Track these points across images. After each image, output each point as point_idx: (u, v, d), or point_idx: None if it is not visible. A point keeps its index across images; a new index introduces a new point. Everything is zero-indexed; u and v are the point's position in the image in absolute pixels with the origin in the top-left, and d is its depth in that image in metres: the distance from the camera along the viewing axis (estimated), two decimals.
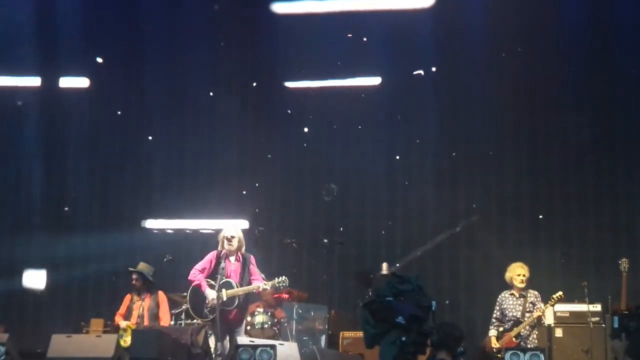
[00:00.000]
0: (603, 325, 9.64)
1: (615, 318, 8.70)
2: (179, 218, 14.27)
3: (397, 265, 12.30)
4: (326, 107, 14.18)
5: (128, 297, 10.13)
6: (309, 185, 14.11)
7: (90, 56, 14.69)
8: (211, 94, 14.44)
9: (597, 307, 9.90)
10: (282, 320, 10.29)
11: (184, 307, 10.02)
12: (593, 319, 9.69)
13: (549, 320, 9.99)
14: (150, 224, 14.36)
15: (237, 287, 9.08)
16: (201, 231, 13.82)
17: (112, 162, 14.45)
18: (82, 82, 15.17)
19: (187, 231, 14.02)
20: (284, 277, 9.43)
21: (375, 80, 14.30)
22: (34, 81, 15.19)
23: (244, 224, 13.28)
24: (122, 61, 14.90)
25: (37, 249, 14.11)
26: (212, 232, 12.66)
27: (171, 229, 14.37)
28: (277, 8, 14.50)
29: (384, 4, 14.24)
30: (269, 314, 9.99)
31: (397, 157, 14.05)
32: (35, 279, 14.15)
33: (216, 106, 14.80)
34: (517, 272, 9.82)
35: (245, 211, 13.69)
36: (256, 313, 9.90)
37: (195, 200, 13.92)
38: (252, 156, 14.18)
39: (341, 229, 12.82)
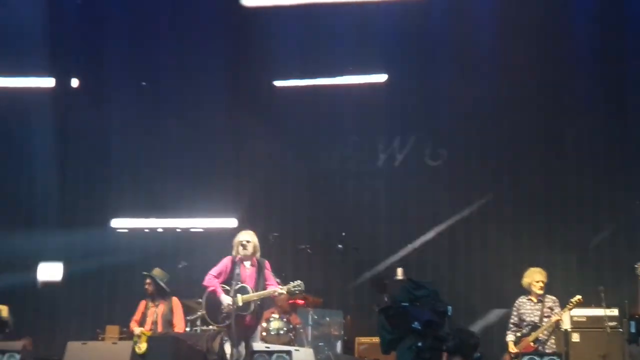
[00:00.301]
0: (620, 330, 9.55)
1: (632, 323, 8.69)
2: (170, 217, 14.20)
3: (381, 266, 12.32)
4: (329, 107, 14.13)
5: (143, 303, 10.13)
6: (322, 191, 13.79)
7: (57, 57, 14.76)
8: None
9: (615, 312, 9.76)
10: (298, 326, 10.26)
11: (199, 313, 9.97)
12: (610, 324, 9.52)
13: (566, 325, 9.84)
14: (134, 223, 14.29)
15: (252, 292, 8.98)
16: (191, 230, 13.86)
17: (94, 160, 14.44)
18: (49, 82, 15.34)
19: (178, 230, 13.97)
20: (299, 281, 9.33)
21: (381, 77, 14.11)
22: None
23: (233, 222, 13.40)
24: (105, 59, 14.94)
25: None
26: (202, 230, 13.55)
27: (161, 228, 14.24)
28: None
29: None
30: (284, 320, 9.95)
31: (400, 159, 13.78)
32: (51, 271, 14.07)
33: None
34: (535, 278, 9.80)
35: (233, 210, 13.55)
36: (271, 319, 9.86)
37: (184, 199, 13.88)
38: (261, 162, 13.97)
39: (343, 233, 12.07)
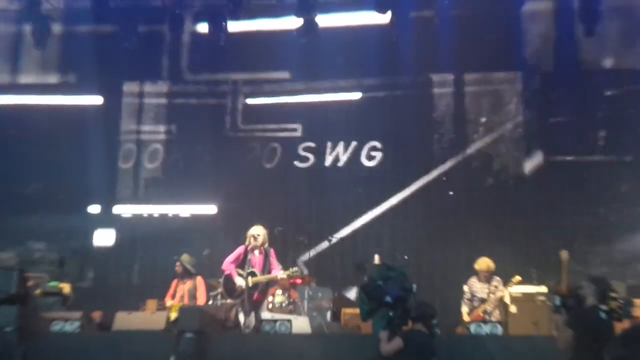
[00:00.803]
0: (548, 303, 9.69)
1: (556, 297, 9.47)
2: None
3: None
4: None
5: (175, 281, 10.64)
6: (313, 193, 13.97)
7: None
8: None
9: (544, 289, 10.16)
10: (296, 300, 10.46)
11: (219, 290, 10.29)
12: (540, 298, 10.01)
13: (507, 299, 10.12)
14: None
15: (260, 276, 9.86)
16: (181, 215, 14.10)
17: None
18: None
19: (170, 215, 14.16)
20: (296, 267, 10.29)
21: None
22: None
23: (213, 209, 13.94)
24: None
25: None
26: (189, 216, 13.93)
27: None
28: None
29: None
30: (286, 295, 10.26)
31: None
32: (104, 237, 14.14)
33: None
34: (485, 264, 10.49)
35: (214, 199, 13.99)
36: (276, 295, 10.17)
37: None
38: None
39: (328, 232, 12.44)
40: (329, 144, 14.01)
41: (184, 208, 14.20)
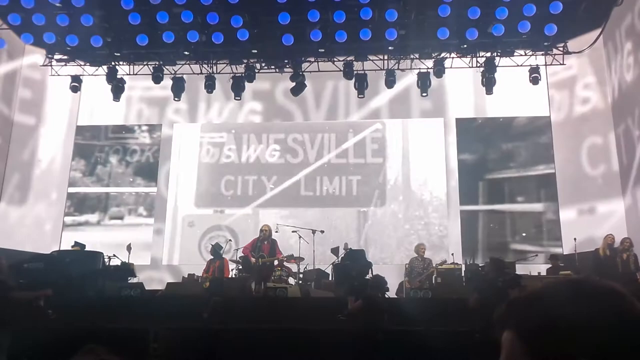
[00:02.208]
0: (462, 276, 10.15)
1: (467, 271, 10.07)
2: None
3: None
4: None
5: (209, 260, 10.68)
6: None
7: None
8: None
9: (459, 265, 10.53)
10: (291, 274, 10.31)
11: (239, 267, 10.44)
12: (457, 273, 10.24)
13: (435, 274, 10.18)
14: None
15: (267, 258, 10.08)
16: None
17: None
18: None
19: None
20: (292, 253, 10.58)
21: None
22: None
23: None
24: None
25: None
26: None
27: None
28: None
29: None
30: (284, 271, 10.09)
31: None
32: None
33: None
34: (421, 247, 10.79)
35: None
36: (276, 270, 10.00)
37: None
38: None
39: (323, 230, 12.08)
40: None
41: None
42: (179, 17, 11.07)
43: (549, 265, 10.85)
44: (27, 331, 6.24)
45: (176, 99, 12.89)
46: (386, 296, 8.09)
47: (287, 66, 12.71)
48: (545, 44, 11.97)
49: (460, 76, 13.05)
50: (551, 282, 1.14)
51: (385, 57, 12.59)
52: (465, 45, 11.80)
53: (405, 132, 13.63)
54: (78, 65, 13.10)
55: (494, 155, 13.37)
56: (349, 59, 12.35)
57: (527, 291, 1.12)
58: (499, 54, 12.20)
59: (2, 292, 5.94)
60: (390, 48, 12.17)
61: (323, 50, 11.99)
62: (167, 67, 12.73)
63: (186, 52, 12.22)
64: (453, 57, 12.51)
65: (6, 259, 6.48)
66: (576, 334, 1.00)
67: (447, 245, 12.57)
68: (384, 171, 13.56)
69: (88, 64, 13.06)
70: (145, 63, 12.84)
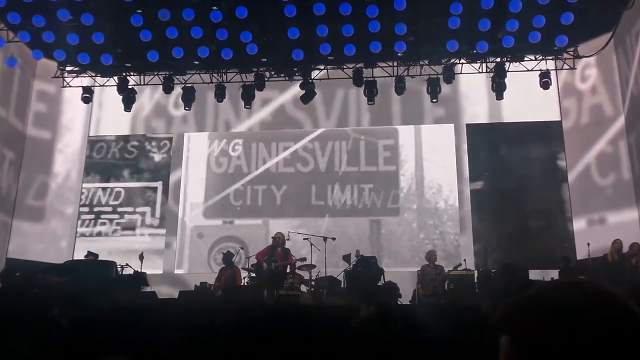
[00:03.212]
0: (475, 282, 10.17)
1: (479, 278, 10.05)
2: None
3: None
4: None
5: (221, 269, 10.73)
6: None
7: None
8: None
9: (472, 272, 10.49)
10: (303, 281, 10.31)
11: (251, 274, 10.46)
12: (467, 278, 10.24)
13: (447, 280, 10.18)
14: None
15: (279, 262, 10.09)
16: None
17: None
18: None
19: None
20: (304, 257, 10.58)
21: None
22: None
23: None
24: None
25: None
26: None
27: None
28: None
29: None
30: (296, 278, 10.15)
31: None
32: None
33: None
34: (433, 254, 10.74)
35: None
36: (289, 278, 10.01)
37: None
38: None
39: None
40: None
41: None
42: (188, 33, 11.10)
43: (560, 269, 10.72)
44: (44, 339, 6.28)
45: (187, 108, 12.97)
46: (399, 302, 8.05)
47: (297, 74, 12.72)
48: (555, 48, 11.87)
49: (472, 81, 13.05)
50: (543, 285, 1.13)
51: (395, 64, 12.57)
52: (475, 51, 11.72)
53: (418, 139, 13.55)
54: (89, 76, 13.20)
55: (504, 163, 13.32)
56: (358, 66, 12.32)
57: (521, 295, 1.12)
58: (508, 59, 12.15)
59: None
60: (399, 54, 12.12)
61: (332, 58, 11.96)
62: (177, 76, 12.78)
63: (196, 62, 12.21)
64: (463, 63, 12.47)
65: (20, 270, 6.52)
66: (564, 336, 1.00)
67: (460, 254, 12.45)
68: (397, 179, 13.50)
69: (99, 75, 13.16)
70: (155, 73, 12.91)
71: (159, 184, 14.05)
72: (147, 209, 13.92)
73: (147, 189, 14.03)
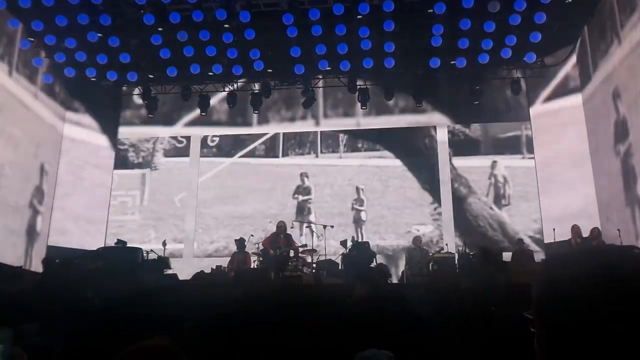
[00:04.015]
0: (456, 262, 9.96)
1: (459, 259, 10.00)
2: None
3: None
4: None
5: (234, 254, 10.64)
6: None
7: None
8: None
9: (453, 255, 10.33)
10: (306, 263, 10.12)
11: (260, 259, 10.28)
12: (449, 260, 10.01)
13: (431, 261, 9.90)
14: None
15: (284, 249, 10.04)
16: None
17: None
18: None
19: None
20: (305, 243, 10.65)
21: None
22: None
23: None
24: None
25: None
26: None
27: None
28: None
29: None
30: (299, 261, 10.00)
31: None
32: None
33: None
34: (418, 239, 10.70)
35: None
36: (293, 261, 9.87)
37: None
38: None
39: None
40: None
41: None
42: (203, 51, 11.18)
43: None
44: (77, 316, 6.31)
45: (203, 113, 13.00)
46: (389, 282, 7.99)
47: (298, 83, 12.76)
48: (524, 58, 11.89)
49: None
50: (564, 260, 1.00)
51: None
52: (454, 63, 11.74)
53: (403, 138, 13.29)
54: (116, 86, 13.21)
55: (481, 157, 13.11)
56: (351, 75, 12.37)
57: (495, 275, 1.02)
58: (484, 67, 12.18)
59: None
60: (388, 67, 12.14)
61: (330, 68, 11.94)
62: (194, 86, 12.78)
63: (210, 73, 12.24)
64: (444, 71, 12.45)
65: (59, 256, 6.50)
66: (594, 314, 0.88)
67: (443, 237, 12.35)
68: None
69: (125, 85, 13.21)
70: (175, 84, 12.93)
71: (178, 181, 13.86)
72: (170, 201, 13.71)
73: (171, 187, 13.77)
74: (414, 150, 12.40)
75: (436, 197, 12.07)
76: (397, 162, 12.08)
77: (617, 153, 9.40)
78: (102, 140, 13.77)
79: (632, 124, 8.82)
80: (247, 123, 13.31)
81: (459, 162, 12.57)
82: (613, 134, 9.71)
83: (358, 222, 12.06)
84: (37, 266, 10.99)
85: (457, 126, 12.88)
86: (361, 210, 11.98)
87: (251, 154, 12.53)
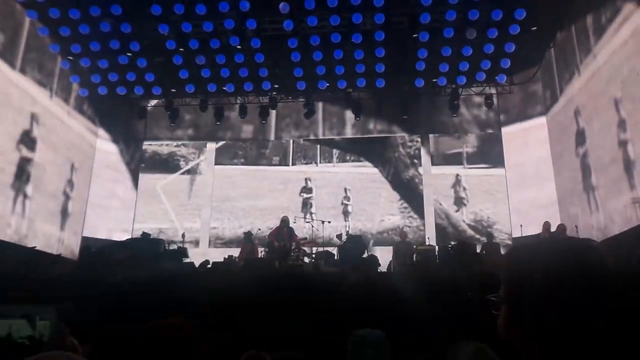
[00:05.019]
0: (436, 254, 9.87)
1: (439, 251, 9.96)
2: None
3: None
4: None
5: (243, 245, 10.68)
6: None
7: None
8: None
9: (433, 247, 10.24)
10: (306, 254, 10.07)
11: (266, 249, 10.19)
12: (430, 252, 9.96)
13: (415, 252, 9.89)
14: None
15: (286, 241, 9.90)
16: None
17: None
18: None
19: None
20: (306, 236, 10.59)
21: None
22: None
23: None
24: None
25: None
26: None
27: None
28: None
29: None
30: (301, 250, 9.94)
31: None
32: None
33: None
34: (403, 234, 10.70)
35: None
36: (295, 252, 9.78)
37: None
38: None
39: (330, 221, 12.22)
40: None
41: None
42: (219, 72, 11.53)
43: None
44: (107, 298, 6.33)
45: (218, 122, 13.01)
46: (379, 271, 8.05)
47: (301, 97, 12.84)
48: (496, 78, 12.02)
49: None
50: (525, 245, 1.02)
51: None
52: (435, 80, 11.82)
53: (394, 146, 13.45)
54: (144, 99, 13.33)
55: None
56: (347, 90, 12.40)
57: (508, 256, 1.02)
58: (461, 86, 12.28)
59: None
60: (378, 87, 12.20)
61: (328, 84, 12.01)
62: (210, 99, 12.85)
63: (224, 88, 12.29)
64: (427, 89, 12.48)
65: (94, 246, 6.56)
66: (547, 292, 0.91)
67: (425, 233, 12.37)
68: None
69: (150, 99, 13.37)
70: (194, 97, 12.96)
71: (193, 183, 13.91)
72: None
73: (189, 190, 13.89)
74: (386, 160, 13.29)
75: (402, 195, 12.86)
76: (375, 170, 13.19)
77: (577, 155, 9.99)
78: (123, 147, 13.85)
79: (588, 134, 9.61)
80: (266, 139, 13.96)
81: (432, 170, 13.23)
82: (574, 141, 10.18)
83: (346, 213, 12.96)
84: (68, 239, 11.31)
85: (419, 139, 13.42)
86: (348, 205, 12.99)
87: (269, 163, 13.59)
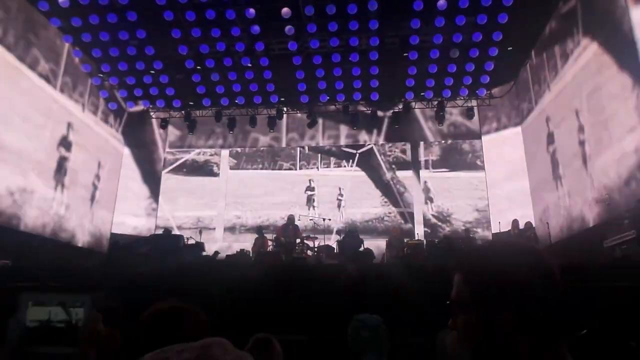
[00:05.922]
0: (424, 247, 9.58)
1: (427, 245, 9.87)
2: None
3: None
4: None
5: (255, 239, 10.40)
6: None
7: None
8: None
9: (422, 242, 10.03)
10: (309, 248, 9.93)
11: (274, 244, 10.03)
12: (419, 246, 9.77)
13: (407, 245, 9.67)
14: None
15: (291, 237, 9.83)
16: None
17: None
18: None
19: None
20: (309, 234, 10.34)
21: None
22: None
23: None
24: None
25: None
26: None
27: None
28: None
29: None
30: (305, 246, 9.81)
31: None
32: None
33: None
34: (395, 229, 10.64)
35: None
36: (299, 246, 9.67)
37: None
38: None
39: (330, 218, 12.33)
40: None
41: None
42: (231, 87, 11.73)
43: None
44: (130, 289, 6.30)
45: (230, 132, 13.03)
46: (373, 262, 8.00)
47: (305, 109, 12.91)
48: (477, 92, 12.06)
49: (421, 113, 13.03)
50: (489, 242, 1.10)
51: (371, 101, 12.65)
52: (423, 93, 11.92)
53: (365, 160, 13.83)
54: (165, 111, 13.31)
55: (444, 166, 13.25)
56: (345, 104, 12.42)
57: (473, 247, 1.10)
58: (446, 99, 12.29)
59: None
60: (373, 100, 12.24)
61: (328, 97, 12.10)
62: (224, 110, 12.89)
63: (236, 101, 12.35)
64: (416, 102, 12.56)
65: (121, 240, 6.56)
66: (501, 283, 0.97)
67: (414, 229, 12.42)
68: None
69: (171, 110, 13.30)
70: (209, 109, 12.95)
71: (209, 191, 13.97)
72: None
73: (204, 198, 14.06)
74: (370, 166, 13.67)
75: (383, 192, 13.36)
76: (362, 173, 13.63)
77: (548, 152, 10.58)
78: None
79: (556, 136, 10.29)
80: (279, 147, 14.26)
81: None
82: (546, 141, 10.69)
83: (340, 206, 13.45)
84: (96, 220, 11.75)
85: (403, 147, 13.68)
86: (342, 200, 13.43)
87: (281, 168, 14.06)
